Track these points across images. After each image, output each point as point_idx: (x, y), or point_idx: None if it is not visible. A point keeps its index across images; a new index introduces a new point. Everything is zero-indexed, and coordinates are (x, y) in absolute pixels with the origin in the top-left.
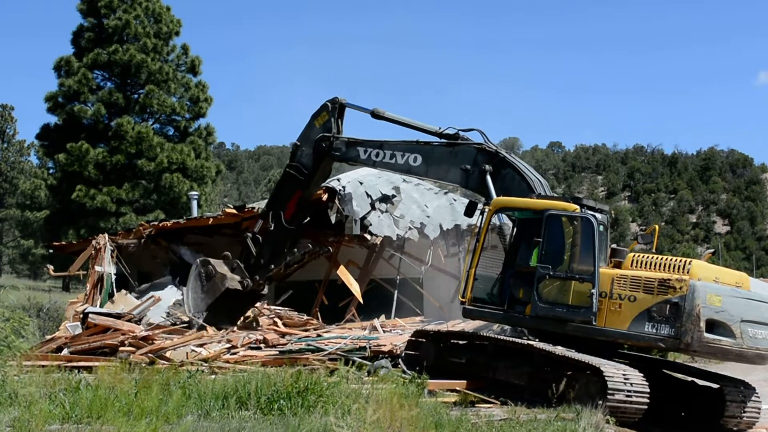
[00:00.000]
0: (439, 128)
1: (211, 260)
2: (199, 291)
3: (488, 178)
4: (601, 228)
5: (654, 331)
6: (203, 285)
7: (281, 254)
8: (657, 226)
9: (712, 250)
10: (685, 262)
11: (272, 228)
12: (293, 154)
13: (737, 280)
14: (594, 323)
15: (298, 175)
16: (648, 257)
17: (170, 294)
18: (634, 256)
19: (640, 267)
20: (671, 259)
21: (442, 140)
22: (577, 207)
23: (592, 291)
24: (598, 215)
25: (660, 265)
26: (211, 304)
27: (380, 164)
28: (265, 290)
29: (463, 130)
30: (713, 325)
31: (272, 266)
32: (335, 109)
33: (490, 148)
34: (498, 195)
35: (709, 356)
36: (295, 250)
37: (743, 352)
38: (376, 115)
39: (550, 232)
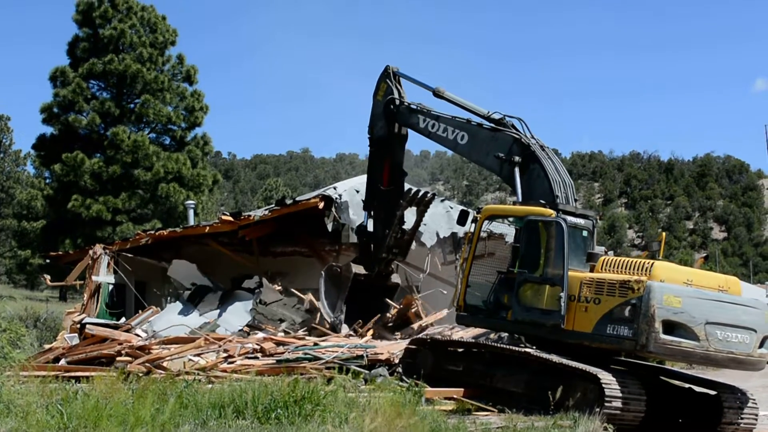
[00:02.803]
0: (488, 112)
1: (334, 263)
2: (331, 294)
3: (516, 170)
4: (585, 233)
5: (615, 333)
6: (332, 287)
7: (391, 216)
8: (664, 234)
9: (704, 255)
10: (650, 263)
11: (376, 204)
12: (371, 138)
13: (721, 284)
14: (563, 326)
15: (379, 148)
16: (616, 260)
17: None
18: (604, 259)
19: (608, 270)
20: (637, 262)
21: (488, 124)
22: (554, 212)
23: (561, 294)
24: (580, 220)
25: (625, 267)
26: (346, 299)
27: (434, 136)
28: (397, 277)
29: (509, 117)
30: (672, 327)
31: (387, 231)
32: (388, 75)
33: (525, 140)
34: (522, 190)
35: (669, 358)
36: (401, 201)
37: (710, 354)
38: (437, 94)
39: (529, 237)
